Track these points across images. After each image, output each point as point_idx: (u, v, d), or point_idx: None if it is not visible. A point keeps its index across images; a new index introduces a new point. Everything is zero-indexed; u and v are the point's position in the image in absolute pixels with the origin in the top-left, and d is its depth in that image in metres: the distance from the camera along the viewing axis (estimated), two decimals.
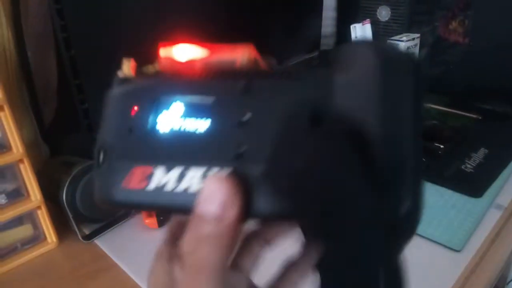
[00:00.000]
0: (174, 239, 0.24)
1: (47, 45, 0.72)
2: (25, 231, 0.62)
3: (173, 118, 0.20)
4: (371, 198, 0.16)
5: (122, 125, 0.20)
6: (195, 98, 0.20)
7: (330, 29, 1.29)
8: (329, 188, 0.16)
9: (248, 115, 0.19)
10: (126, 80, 0.21)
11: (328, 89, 0.18)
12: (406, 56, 0.18)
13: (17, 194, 0.60)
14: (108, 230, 0.65)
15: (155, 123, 0.20)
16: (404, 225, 0.18)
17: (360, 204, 0.16)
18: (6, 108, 0.54)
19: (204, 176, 0.19)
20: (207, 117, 0.19)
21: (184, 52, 0.21)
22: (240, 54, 0.21)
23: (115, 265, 0.59)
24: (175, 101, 0.20)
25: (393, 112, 0.17)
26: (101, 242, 0.64)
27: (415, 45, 1.09)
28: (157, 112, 0.20)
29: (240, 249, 0.26)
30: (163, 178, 0.19)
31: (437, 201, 0.68)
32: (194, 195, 0.18)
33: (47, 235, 0.63)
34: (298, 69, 0.20)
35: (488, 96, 1.01)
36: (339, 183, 0.16)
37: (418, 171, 0.17)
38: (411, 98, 0.17)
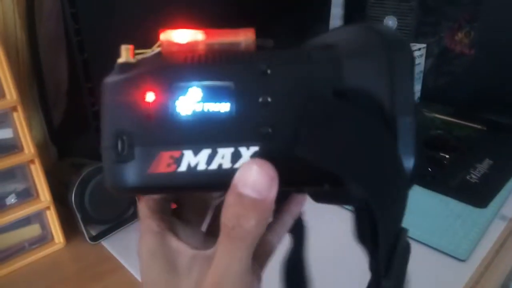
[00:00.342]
0: (157, 213, 0.26)
1: (59, 47, 0.73)
2: (33, 231, 0.63)
3: (192, 103, 0.20)
4: (396, 149, 0.19)
5: (139, 112, 0.20)
6: (212, 82, 0.20)
7: None
8: (368, 148, 0.19)
9: (269, 96, 0.20)
10: (128, 66, 0.21)
11: (341, 69, 0.20)
12: (403, 39, 0.21)
13: (27, 194, 0.61)
14: (115, 231, 0.66)
15: (175, 108, 0.20)
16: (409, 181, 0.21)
17: (392, 159, 0.19)
18: (19, 108, 0.55)
19: (235, 155, 0.20)
20: (227, 101, 0.20)
21: (185, 35, 0.22)
22: (243, 37, 0.22)
23: (121, 267, 0.60)
24: (192, 86, 0.20)
25: (400, 87, 0.20)
26: (108, 243, 0.64)
27: (421, 55, 1.10)
28: (174, 97, 0.20)
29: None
30: (193, 160, 0.20)
31: (443, 210, 0.69)
32: (228, 171, 0.20)
33: (55, 236, 0.64)
34: (307, 51, 0.22)
35: (493, 107, 1.02)
36: (376, 142, 0.19)
37: (417, 132, 0.20)
38: (410, 74, 0.20)
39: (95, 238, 0.64)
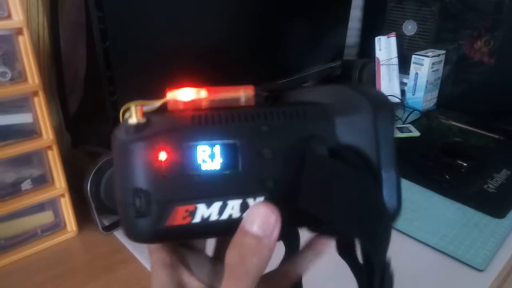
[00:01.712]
0: (170, 247, 0.27)
1: (79, 35, 0.72)
2: (46, 217, 0.62)
3: (202, 160, 0.22)
4: (383, 199, 0.23)
5: (154, 172, 0.22)
6: (219, 141, 0.22)
7: (353, 39, 1.29)
8: (360, 197, 0.21)
9: (271, 152, 0.22)
10: (139, 126, 0.22)
11: (334, 127, 0.23)
12: (387, 99, 0.24)
13: (42, 180, 0.60)
14: None
15: (187, 165, 0.22)
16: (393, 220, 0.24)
17: (380, 205, 0.22)
18: (40, 93, 0.54)
19: (243, 205, 0.22)
20: (233, 158, 0.22)
21: (189, 94, 0.23)
22: (243, 93, 0.24)
23: (133, 259, 0.59)
24: (201, 145, 0.22)
25: (384, 142, 0.23)
26: (120, 234, 0.64)
27: (440, 61, 1.09)
28: (185, 156, 0.22)
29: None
30: (206, 212, 0.22)
31: (460, 219, 0.67)
32: (238, 220, 0.22)
33: (68, 224, 0.63)
34: (302, 108, 0.24)
35: (511, 118, 1.00)
36: (366, 190, 0.22)
37: (399, 181, 0.23)
38: (392, 132, 0.23)
39: (107, 228, 0.64)
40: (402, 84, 1.16)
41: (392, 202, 0.23)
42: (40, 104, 0.55)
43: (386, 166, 0.23)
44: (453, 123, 1.02)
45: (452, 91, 1.14)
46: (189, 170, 0.22)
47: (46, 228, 0.62)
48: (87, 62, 0.74)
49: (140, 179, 0.21)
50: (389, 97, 0.24)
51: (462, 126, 1.01)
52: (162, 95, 0.24)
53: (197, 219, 0.22)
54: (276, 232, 0.22)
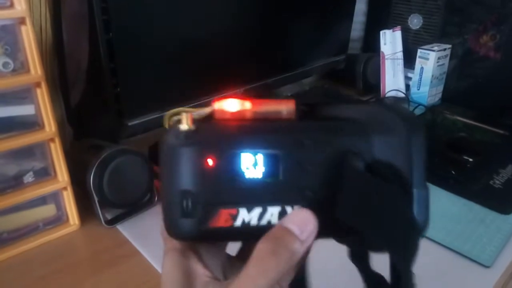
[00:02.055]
0: None
1: (81, 27, 0.71)
2: (48, 211, 0.62)
3: (246, 168, 0.24)
4: (413, 216, 0.24)
5: (202, 175, 0.23)
6: (262, 150, 0.24)
7: (358, 33, 1.28)
8: (393, 211, 0.23)
9: (310, 164, 0.24)
10: (189, 133, 0.24)
11: (371, 144, 0.25)
12: (420, 120, 0.26)
13: (45, 173, 0.59)
14: (131, 216, 0.65)
15: (232, 172, 0.23)
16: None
17: (411, 220, 0.24)
18: (43, 85, 0.54)
19: (282, 213, 0.24)
20: (275, 167, 0.24)
21: (235, 105, 0.25)
22: (285, 107, 0.26)
23: (137, 253, 0.59)
24: (245, 153, 0.23)
25: (416, 161, 0.24)
26: (123, 228, 0.63)
27: (446, 55, 1.08)
28: (231, 163, 0.23)
29: None
30: (247, 216, 0.24)
31: (466, 215, 0.67)
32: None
33: (70, 217, 0.63)
34: (342, 123, 0.26)
35: None
36: (400, 206, 0.23)
37: (428, 200, 0.25)
38: (424, 150, 0.25)
39: (110, 222, 0.63)
40: (407, 78, 1.15)
41: (421, 217, 0.25)
42: (42, 95, 0.54)
43: (418, 184, 0.24)
44: (458, 118, 1.01)
45: (457, 86, 1.13)
46: (233, 176, 0.23)
47: (48, 221, 0.62)
48: (89, 54, 0.73)
49: (189, 182, 0.23)
50: (421, 119, 0.25)
51: (467, 121, 1.00)
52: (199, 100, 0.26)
53: (238, 222, 0.24)
54: (311, 239, 0.23)
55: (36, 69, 0.52)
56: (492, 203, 0.69)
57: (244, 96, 0.25)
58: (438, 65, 1.07)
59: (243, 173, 0.24)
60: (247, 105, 0.25)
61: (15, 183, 0.57)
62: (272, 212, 0.24)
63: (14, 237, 0.59)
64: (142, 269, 0.56)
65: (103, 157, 0.59)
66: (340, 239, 0.29)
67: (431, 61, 1.05)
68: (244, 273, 0.22)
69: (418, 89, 1.10)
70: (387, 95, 1.12)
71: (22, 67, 0.53)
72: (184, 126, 0.24)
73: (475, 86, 1.10)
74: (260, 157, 0.24)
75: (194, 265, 0.27)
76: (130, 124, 0.70)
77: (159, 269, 0.55)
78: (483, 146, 0.87)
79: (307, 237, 0.23)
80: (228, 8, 0.81)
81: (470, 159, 0.78)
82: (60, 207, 0.62)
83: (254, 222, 0.24)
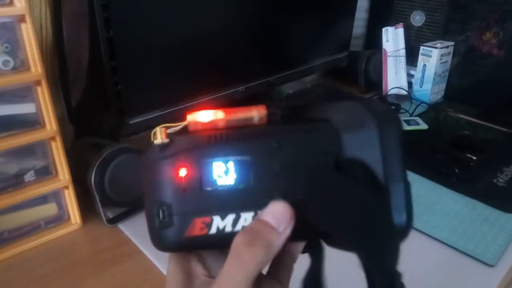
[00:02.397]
0: None
1: (81, 24, 0.71)
2: (49, 210, 0.61)
3: (218, 176, 0.24)
4: (389, 213, 0.23)
5: (175, 187, 0.24)
6: (233, 158, 0.24)
7: (360, 30, 1.28)
8: (364, 212, 0.22)
9: (281, 167, 0.24)
10: (162, 146, 0.24)
11: (340, 142, 0.24)
12: (393, 113, 0.25)
13: (46, 171, 0.59)
14: (132, 215, 0.64)
15: (204, 181, 0.24)
16: (403, 234, 0.24)
17: (383, 221, 0.22)
18: (44, 83, 0.53)
19: (255, 217, 0.24)
20: (246, 173, 0.24)
21: (208, 115, 0.26)
22: (256, 113, 0.26)
23: (138, 252, 0.59)
24: (216, 161, 0.24)
25: (391, 155, 0.24)
26: (125, 227, 0.63)
27: (449, 53, 1.07)
28: (203, 172, 0.24)
29: (275, 263, 0.30)
30: (221, 223, 0.24)
31: (469, 213, 0.66)
32: None
33: (71, 216, 0.62)
34: (310, 125, 0.26)
35: None
36: (370, 206, 0.22)
37: (409, 193, 0.24)
38: (399, 145, 0.24)
39: (112, 221, 0.63)
40: (409, 76, 1.14)
41: (400, 215, 0.24)
42: (43, 93, 0.54)
43: (393, 179, 0.24)
44: (461, 116, 1.01)
45: (460, 83, 1.12)
46: (206, 185, 0.24)
47: (49, 220, 0.62)
48: (90, 52, 0.72)
49: (163, 193, 0.24)
50: (396, 113, 0.26)
51: (470, 119, 0.99)
52: (182, 115, 0.26)
53: (213, 230, 0.24)
54: (288, 230, 0.23)
55: (36, 67, 0.52)
56: (496, 201, 0.69)
57: (217, 105, 0.27)
58: (441, 63, 1.06)
59: (215, 181, 0.24)
60: (220, 114, 0.26)
61: (16, 182, 0.57)
62: (246, 218, 0.24)
63: (15, 236, 0.58)
64: (144, 267, 0.56)
65: (104, 156, 0.59)
66: (310, 243, 0.29)
67: (434, 58, 1.04)
68: (224, 268, 0.22)
69: (421, 87, 1.09)
70: (389, 93, 1.11)
71: (22, 65, 0.52)
72: (158, 140, 0.25)
73: (478, 83, 1.09)
74: (231, 165, 0.24)
75: (194, 265, 0.28)
76: (131, 122, 0.70)
77: (161, 268, 0.55)
78: (487, 144, 0.86)
79: (284, 228, 0.23)
80: (230, 6, 0.81)
81: (474, 157, 0.78)
82: (61, 206, 0.62)
83: (228, 228, 0.24)
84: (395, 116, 0.25)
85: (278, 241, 0.23)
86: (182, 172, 0.24)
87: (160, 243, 0.25)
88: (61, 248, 0.60)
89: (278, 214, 0.23)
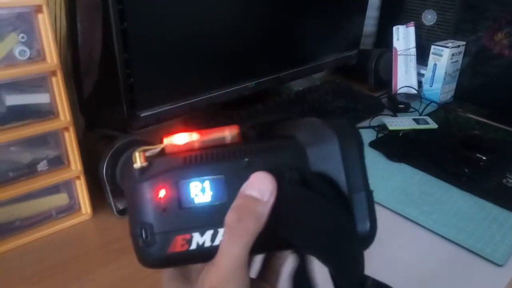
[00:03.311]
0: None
1: (96, 16, 0.71)
2: (60, 199, 0.62)
3: (194, 195, 0.25)
4: (351, 222, 0.25)
5: (155, 207, 0.25)
6: (208, 177, 0.25)
7: (370, 28, 1.27)
8: (326, 222, 0.24)
9: None
10: (143, 169, 0.26)
11: (305, 157, 0.26)
12: (351, 127, 0.27)
13: (58, 161, 0.60)
14: None
15: (183, 200, 0.25)
16: (368, 240, 0.26)
17: (347, 227, 0.25)
18: (59, 73, 0.54)
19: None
20: (221, 190, 0.26)
21: (183, 138, 0.27)
22: (228, 132, 0.28)
23: None
24: (192, 181, 0.25)
25: (352, 166, 0.26)
26: None
27: (460, 52, 1.07)
28: (181, 192, 0.25)
29: (264, 267, 0.32)
30: (200, 239, 0.25)
31: (478, 213, 0.66)
32: None
33: (82, 206, 0.63)
34: (278, 143, 0.28)
35: None
36: (333, 216, 0.25)
37: (371, 201, 0.26)
38: (359, 156, 0.26)
39: (122, 212, 0.63)
40: (419, 75, 1.14)
41: (364, 223, 0.25)
42: (58, 84, 0.54)
43: (355, 189, 0.25)
44: (471, 116, 1.00)
45: (470, 83, 1.12)
46: (184, 204, 0.25)
47: (61, 210, 0.62)
48: (103, 44, 0.73)
49: (145, 214, 0.25)
50: (355, 127, 0.28)
51: (480, 119, 0.99)
52: (162, 136, 0.28)
53: (193, 246, 0.25)
54: (272, 199, 0.25)
55: (52, 57, 0.52)
56: (505, 201, 0.68)
57: (190, 127, 0.29)
58: (452, 62, 1.05)
59: (193, 199, 0.25)
60: (194, 136, 0.27)
61: (29, 171, 0.57)
62: (223, 233, 0.26)
63: (27, 225, 0.59)
64: None
65: (116, 147, 0.59)
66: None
67: (445, 57, 1.03)
68: (220, 247, 0.24)
69: (431, 86, 1.09)
70: (398, 92, 1.11)
71: (38, 56, 0.53)
72: (138, 164, 0.26)
73: (488, 84, 1.08)
74: (206, 184, 0.26)
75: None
76: (142, 115, 0.71)
77: None
78: (497, 144, 0.86)
79: (269, 197, 0.24)
80: (242, 2, 0.81)
81: (483, 157, 0.77)
82: (72, 196, 0.63)
83: (208, 244, 0.25)
84: (354, 129, 0.27)
85: (265, 210, 0.24)
86: (162, 193, 0.25)
87: (145, 260, 0.26)
88: (72, 238, 0.60)
89: (260, 185, 0.25)
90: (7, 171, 0.56)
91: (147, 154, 0.26)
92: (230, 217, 0.24)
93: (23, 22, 0.52)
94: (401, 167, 0.78)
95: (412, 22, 1.12)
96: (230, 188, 0.26)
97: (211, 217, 0.26)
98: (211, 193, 0.26)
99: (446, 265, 0.57)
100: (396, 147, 0.84)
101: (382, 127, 0.92)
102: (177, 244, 0.25)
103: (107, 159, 0.59)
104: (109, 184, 0.60)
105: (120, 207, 0.64)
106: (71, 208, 0.63)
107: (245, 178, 0.26)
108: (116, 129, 0.70)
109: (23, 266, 0.55)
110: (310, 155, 0.26)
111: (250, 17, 0.84)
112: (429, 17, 1.14)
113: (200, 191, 0.26)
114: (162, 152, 0.28)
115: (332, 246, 0.24)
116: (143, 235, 0.25)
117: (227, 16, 0.79)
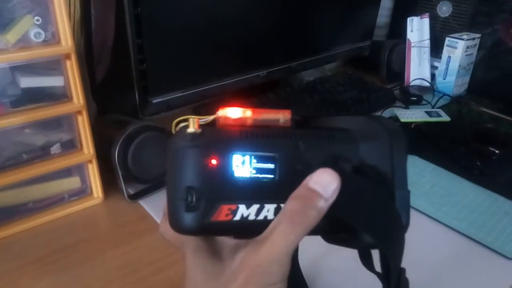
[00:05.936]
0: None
1: (109, 2, 0.71)
2: (73, 183, 0.63)
3: (246, 168, 0.26)
4: (398, 211, 0.27)
5: (205, 173, 0.25)
6: (262, 153, 0.26)
7: (384, 19, 1.26)
8: (380, 206, 0.27)
9: (304, 166, 0.27)
10: (195, 135, 0.26)
11: (358, 149, 0.28)
12: (400, 129, 0.29)
13: (71, 145, 0.60)
14: (153, 192, 0.65)
15: (233, 172, 0.26)
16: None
17: (395, 217, 0.27)
18: (73, 57, 0.54)
19: (277, 209, 0.26)
20: (272, 168, 0.26)
21: (237, 112, 0.28)
22: (281, 116, 0.29)
23: (158, 227, 0.59)
24: (246, 155, 0.26)
25: (398, 166, 0.28)
26: (145, 203, 0.64)
27: (475, 45, 1.05)
28: (233, 163, 0.26)
29: None
30: (245, 212, 0.26)
31: (490, 206, 0.66)
32: (271, 221, 0.26)
33: (94, 190, 0.64)
34: (332, 132, 0.29)
35: None
36: (385, 203, 0.27)
37: (409, 199, 0.28)
38: (405, 156, 0.28)
39: (133, 197, 0.64)
40: (433, 68, 1.12)
41: (403, 216, 0.27)
42: (72, 67, 0.55)
43: (399, 186, 0.27)
44: (484, 109, 0.99)
45: (484, 77, 1.10)
46: (234, 175, 0.26)
47: (73, 193, 0.63)
48: (115, 30, 0.73)
49: (193, 179, 0.25)
50: (403, 132, 0.30)
51: (493, 113, 0.98)
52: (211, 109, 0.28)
53: (237, 217, 0.26)
54: (334, 197, 0.25)
55: (67, 40, 0.53)
56: None
57: (245, 105, 0.29)
58: (466, 55, 1.04)
59: (243, 172, 0.26)
60: (248, 113, 0.28)
61: (43, 153, 0.58)
62: (269, 208, 0.26)
63: (40, 207, 0.60)
64: (163, 243, 0.57)
65: (128, 132, 0.59)
66: (328, 238, 0.32)
67: (459, 50, 1.02)
68: (277, 230, 0.25)
69: (444, 79, 1.07)
70: (411, 84, 1.10)
71: (52, 38, 0.53)
72: (191, 129, 0.26)
73: (503, 78, 1.07)
74: (259, 159, 0.26)
75: (218, 238, 0.30)
76: (154, 101, 0.71)
77: None
78: (510, 138, 0.85)
79: (332, 194, 0.25)
80: None
81: (496, 151, 0.77)
82: (84, 179, 0.63)
83: (252, 217, 0.26)
84: (403, 134, 0.29)
85: (326, 206, 0.25)
86: (214, 161, 0.25)
87: (183, 225, 0.26)
88: (84, 220, 0.61)
89: (325, 182, 0.25)
90: (21, 153, 0.57)
91: (200, 122, 0.27)
92: (293, 205, 0.25)
93: (38, 4, 0.52)
94: (413, 159, 0.77)
95: (427, 14, 1.10)
96: (282, 167, 0.26)
97: (259, 192, 0.26)
98: (262, 168, 0.26)
99: (456, 258, 0.57)
100: (408, 139, 0.83)
101: (394, 119, 0.91)
102: (222, 213, 0.26)
103: (119, 144, 0.59)
104: (120, 169, 0.60)
105: (131, 192, 0.65)
106: (83, 191, 0.64)
107: (298, 160, 0.27)
108: (128, 115, 0.71)
109: (35, 247, 0.56)
110: (361, 148, 0.28)
111: (263, 5, 0.84)
112: (444, 9, 1.12)
113: (252, 165, 0.26)
114: (214, 122, 0.28)
115: (388, 232, 0.26)
116: (189, 198, 0.25)
117: (240, 3, 0.79)
